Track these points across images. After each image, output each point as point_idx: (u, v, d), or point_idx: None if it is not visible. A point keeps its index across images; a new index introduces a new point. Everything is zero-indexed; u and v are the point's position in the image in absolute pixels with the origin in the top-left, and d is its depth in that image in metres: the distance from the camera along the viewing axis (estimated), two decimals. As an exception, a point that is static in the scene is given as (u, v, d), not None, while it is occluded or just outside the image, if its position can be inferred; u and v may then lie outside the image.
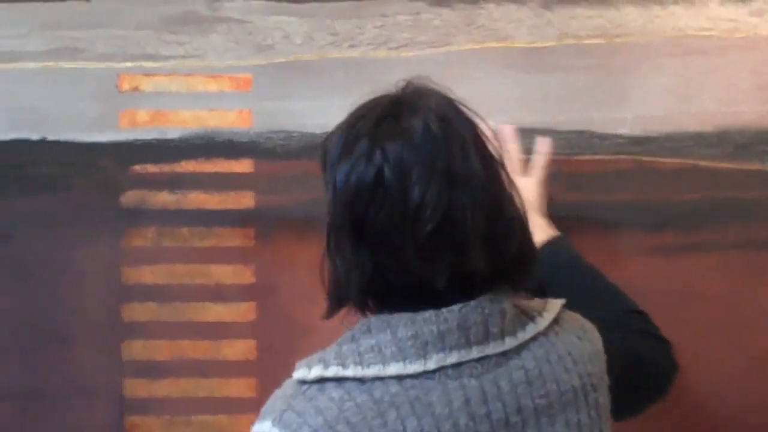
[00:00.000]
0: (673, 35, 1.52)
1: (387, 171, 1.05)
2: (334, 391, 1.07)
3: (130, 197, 1.53)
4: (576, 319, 1.19)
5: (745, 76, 1.52)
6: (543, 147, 1.45)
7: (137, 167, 1.52)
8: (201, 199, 1.54)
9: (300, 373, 1.07)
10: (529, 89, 1.51)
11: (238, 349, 1.51)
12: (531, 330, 1.13)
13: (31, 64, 1.51)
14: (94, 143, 1.52)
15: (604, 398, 1.18)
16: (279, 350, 1.50)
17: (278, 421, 1.06)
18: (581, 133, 1.51)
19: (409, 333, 1.08)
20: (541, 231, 1.39)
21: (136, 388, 1.52)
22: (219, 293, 1.52)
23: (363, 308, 1.12)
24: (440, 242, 1.05)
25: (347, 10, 1.50)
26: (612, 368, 1.18)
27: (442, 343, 1.08)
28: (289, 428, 1.05)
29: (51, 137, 1.52)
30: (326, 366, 1.08)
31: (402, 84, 1.11)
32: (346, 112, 1.11)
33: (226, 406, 1.53)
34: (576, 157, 1.50)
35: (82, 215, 1.53)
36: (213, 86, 1.52)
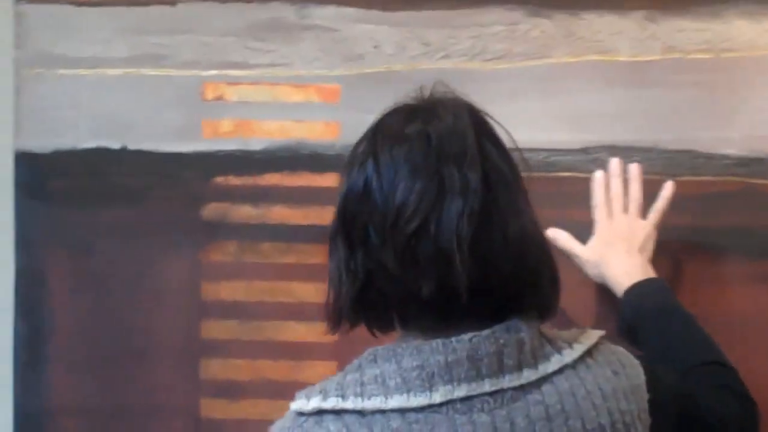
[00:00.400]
0: None
1: (375, 174, 1.04)
2: (332, 425, 1.03)
3: (211, 210, 1.53)
4: (616, 352, 1.14)
5: None
6: (667, 192, 1.45)
7: (219, 179, 1.52)
8: (284, 214, 1.53)
9: (298, 404, 1.05)
10: (630, 105, 1.50)
11: (319, 371, 1.49)
12: (556, 362, 1.08)
13: (114, 71, 1.53)
14: (175, 153, 1.53)
15: None
16: (360, 372, 1.44)
17: None
18: (685, 152, 1.48)
19: (415, 363, 1.05)
20: (639, 271, 1.38)
21: (213, 408, 1.52)
22: (300, 312, 1.50)
23: (365, 325, 1.10)
24: (421, 246, 1.02)
25: (440, 19, 1.49)
26: (677, 418, 1.14)
27: (449, 374, 1.04)
28: None
29: (132, 146, 1.53)
30: (325, 397, 1.05)
31: (422, 91, 1.11)
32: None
33: None
34: (679, 178, 1.46)
35: (162, 228, 1.54)
36: (299, 96, 1.52)
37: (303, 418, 1.05)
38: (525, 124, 1.44)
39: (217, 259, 1.52)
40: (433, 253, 1.02)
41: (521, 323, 1.05)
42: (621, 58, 1.49)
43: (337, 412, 1.03)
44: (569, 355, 1.09)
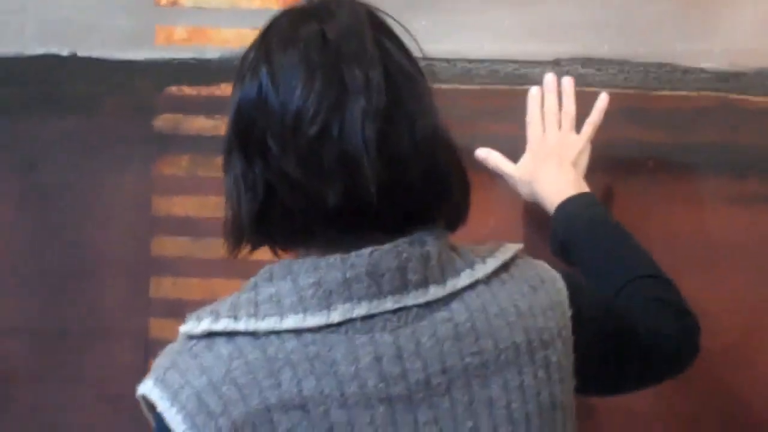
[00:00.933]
0: None
1: (269, 78, 1.02)
2: (223, 347, 1.01)
3: (163, 121, 1.52)
4: (535, 266, 1.12)
5: None
6: (601, 104, 1.44)
7: (173, 88, 1.52)
8: None
9: (188, 326, 1.03)
10: (605, 16, 1.48)
11: None
12: (466, 277, 1.05)
13: None
14: (127, 61, 1.52)
15: (559, 357, 1.09)
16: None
17: (160, 381, 1.01)
18: (661, 65, 1.47)
19: (311, 280, 1.01)
20: (571, 186, 1.38)
21: (164, 329, 1.50)
22: None
23: (267, 245, 1.08)
24: (325, 150, 0.99)
25: None
26: (605, 335, 1.12)
27: (348, 292, 1.02)
28: (170, 389, 1.00)
29: (81, 53, 1.52)
30: (216, 318, 1.02)
31: None
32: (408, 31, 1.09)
33: None
34: (655, 93, 1.46)
35: (112, 140, 1.52)
36: (257, 2, 1.50)
37: (193, 341, 1.02)
38: (494, 35, 1.49)
39: (169, 172, 1.51)
40: (338, 156, 1.00)
41: (428, 235, 1.03)
42: None
43: (229, 334, 1.01)
44: (482, 269, 1.06)
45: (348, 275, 1.00)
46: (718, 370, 1.50)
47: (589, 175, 1.45)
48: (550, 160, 1.41)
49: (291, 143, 0.99)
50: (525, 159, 1.45)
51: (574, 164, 1.41)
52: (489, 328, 1.04)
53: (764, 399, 1.52)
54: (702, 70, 1.47)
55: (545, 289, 1.09)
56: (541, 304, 1.08)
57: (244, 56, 1.07)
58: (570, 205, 1.36)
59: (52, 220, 1.53)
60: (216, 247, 1.45)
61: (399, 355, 1.01)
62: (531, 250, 1.12)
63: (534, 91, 1.44)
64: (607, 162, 1.48)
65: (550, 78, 1.44)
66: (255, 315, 1.00)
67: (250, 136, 1.03)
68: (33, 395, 1.53)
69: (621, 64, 1.47)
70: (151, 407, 1.02)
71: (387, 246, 1.01)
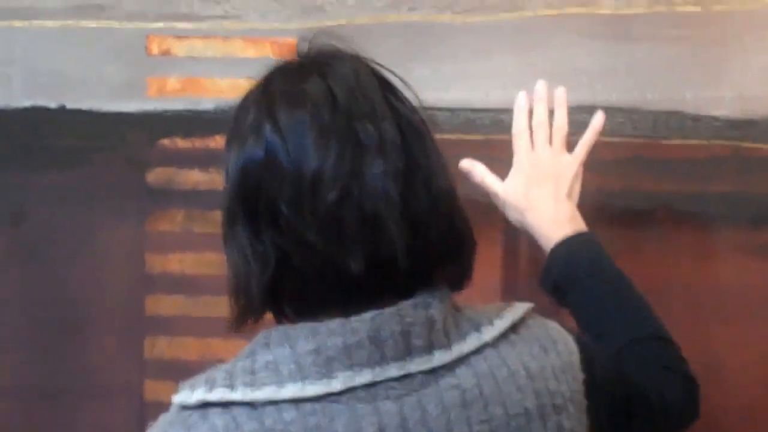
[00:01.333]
0: None
1: (278, 140, 0.98)
2: (218, 419, 0.96)
3: (157, 175, 1.50)
4: (546, 326, 1.09)
5: None
6: (596, 122, 1.39)
7: (166, 141, 1.50)
8: None
9: (181, 396, 0.99)
10: (613, 62, 1.46)
11: None
12: (473, 341, 1.02)
13: (50, 23, 1.50)
14: (118, 113, 1.49)
15: (572, 422, 1.06)
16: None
17: None
18: (672, 113, 1.44)
19: (310, 347, 0.98)
20: (567, 223, 1.34)
21: (159, 390, 1.49)
22: None
23: (275, 315, 1.04)
24: (346, 215, 0.96)
25: None
26: (617, 401, 1.11)
27: (349, 359, 0.98)
28: None
29: (71, 105, 1.50)
30: (211, 388, 0.98)
31: (308, 47, 1.07)
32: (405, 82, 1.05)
33: None
34: (665, 141, 1.44)
35: (103, 194, 1.50)
36: (253, 51, 1.49)
37: (187, 412, 0.98)
38: (499, 83, 1.47)
39: (163, 228, 1.50)
40: (360, 220, 0.97)
41: (431, 298, 1.00)
42: (603, 11, 1.45)
43: (225, 405, 0.97)
44: (489, 332, 1.03)
45: (349, 341, 0.97)
46: (742, 425, 1.49)
47: (599, 225, 1.42)
48: (544, 186, 1.37)
49: (308, 209, 0.96)
50: (514, 179, 1.40)
51: (569, 194, 1.37)
52: (498, 394, 1.01)
53: None
54: (713, 118, 1.45)
55: (557, 350, 1.06)
56: (552, 366, 1.05)
57: (239, 116, 1.04)
58: (569, 244, 1.32)
59: (41, 275, 1.51)
60: (213, 305, 1.46)
61: (404, 425, 0.98)
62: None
63: (521, 100, 1.40)
64: (615, 211, 1.47)
65: (541, 85, 1.40)
66: (252, 384, 0.97)
67: (257, 202, 0.98)
68: None
69: (629, 112, 1.44)
70: None
71: (389, 310, 0.98)
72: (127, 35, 1.50)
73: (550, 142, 1.39)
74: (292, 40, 1.46)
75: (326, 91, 0.99)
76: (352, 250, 0.96)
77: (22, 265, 1.51)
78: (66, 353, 1.50)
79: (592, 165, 1.44)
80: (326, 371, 0.97)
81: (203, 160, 1.49)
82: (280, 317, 1.02)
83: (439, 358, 0.99)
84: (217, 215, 1.42)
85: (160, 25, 1.49)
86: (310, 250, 0.96)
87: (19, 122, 1.50)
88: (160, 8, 1.50)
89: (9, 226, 1.51)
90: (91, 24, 1.49)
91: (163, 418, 1.00)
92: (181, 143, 1.49)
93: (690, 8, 1.45)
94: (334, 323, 0.97)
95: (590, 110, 1.45)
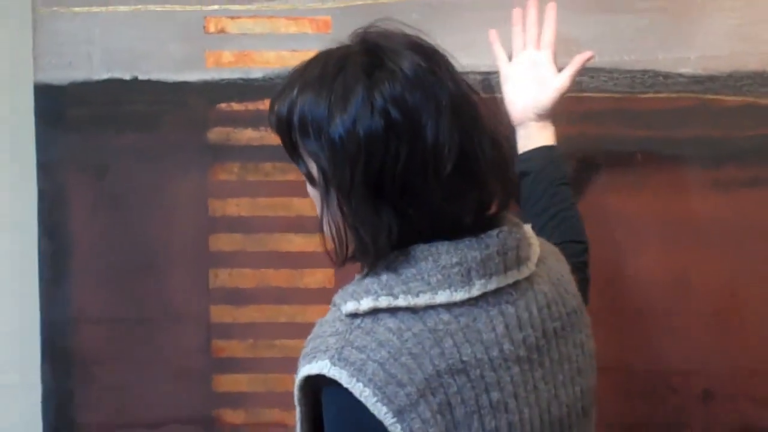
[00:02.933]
0: None
1: (395, 114, 1.03)
2: (389, 321, 1.05)
3: (216, 134, 1.58)
4: (544, 241, 1.21)
5: None
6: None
7: (223, 105, 1.58)
8: None
9: (350, 306, 1.06)
10: (597, 30, 1.55)
11: (318, 278, 1.58)
12: (535, 256, 1.14)
13: (123, 8, 1.57)
14: (182, 82, 1.58)
15: (586, 315, 1.21)
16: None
17: (337, 359, 1.04)
18: (645, 72, 1.56)
19: (454, 260, 1.07)
20: (542, 133, 1.42)
21: (222, 314, 1.58)
22: (300, 225, 1.58)
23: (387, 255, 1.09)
24: (462, 178, 1.05)
25: None
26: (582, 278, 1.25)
27: (484, 269, 1.07)
28: (352, 365, 1.03)
29: (142, 77, 1.58)
30: (377, 297, 1.06)
31: (359, 33, 1.10)
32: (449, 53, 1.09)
33: (306, 331, 1.55)
34: (640, 95, 1.56)
35: (172, 150, 1.59)
36: (294, 28, 1.57)
37: (359, 320, 1.05)
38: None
39: (222, 178, 1.58)
40: (471, 181, 1.05)
41: (515, 225, 1.11)
42: None
43: (391, 310, 1.05)
44: (537, 248, 1.15)
45: (484, 254, 1.06)
46: (708, 328, 1.60)
47: (587, 167, 1.55)
48: (530, 72, 1.45)
49: (432, 176, 1.03)
50: (515, 61, 1.48)
51: (546, 83, 1.43)
52: (560, 296, 1.15)
53: (746, 348, 1.60)
54: (680, 75, 1.55)
55: (560, 258, 1.20)
56: (568, 272, 1.19)
57: (332, 94, 1.05)
58: (535, 154, 1.41)
59: (122, 221, 1.60)
60: (265, 241, 1.58)
61: (520, 324, 1.09)
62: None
63: (516, 14, 1.47)
64: (600, 155, 1.58)
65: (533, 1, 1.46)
66: (409, 292, 1.04)
67: (382, 172, 1.03)
68: (113, 375, 1.61)
69: (611, 72, 1.55)
70: (317, 388, 1.05)
71: (506, 228, 1.09)
72: (188, 17, 1.55)
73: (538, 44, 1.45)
74: (326, 18, 1.56)
75: (414, 64, 1.04)
76: (466, 206, 1.06)
77: (106, 212, 1.59)
78: (145, 286, 1.60)
79: (580, 116, 1.55)
80: (467, 280, 1.06)
81: (254, 120, 1.57)
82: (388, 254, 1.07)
83: (530, 267, 1.12)
84: (267, 167, 1.56)
85: (216, 7, 1.55)
86: (434, 212, 1.05)
87: (99, 92, 1.58)
88: None
89: (95, 179, 1.59)
90: (157, 8, 1.56)
91: (330, 329, 1.07)
92: (236, 106, 1.58)
93: None
94: (469, 240, 1.07)
95: (579, 71, 1.47)
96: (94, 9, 1.56)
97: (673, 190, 1.58)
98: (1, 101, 1.72)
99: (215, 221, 1.59)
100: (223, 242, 1.59)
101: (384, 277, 1.07)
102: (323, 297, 1.52)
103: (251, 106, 1.57)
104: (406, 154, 1.03)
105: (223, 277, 1.59)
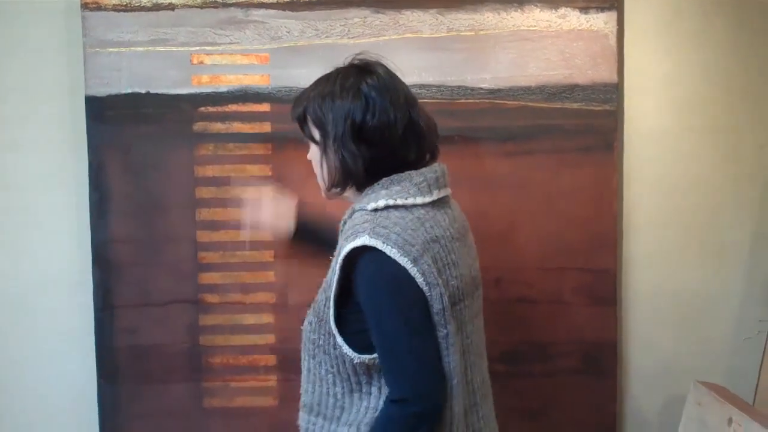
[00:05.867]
0: (513, 29, 2.07)
1: (374, 94, 1.36)
2: (396, 213, 1.33)
3: (198, 126, 2.06)
4: None
5: (554, 53, 2.08)
6: None
7: (202, 108, 2.05)
8: (240, 127, 2.08)
9: (371, 205, 1.34)
10: (430, 62, 2.05)
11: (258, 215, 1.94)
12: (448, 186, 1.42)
13: (140, 48, 2.04)
14: (177, 94, 2.05)
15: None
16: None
17: (372, 233, 1.30)
18: (460, 87, 2.07)
19: (421, 179, 1.36)
20: None
21: (203, 236, 2.05)
22: (249, 181, 2.08)
23: (362, 185, 1.38)
24: (410, 133, 1.39)
25: (324, 14, 2.05)
26: None
27: (436, 184, 1.38)
28: (382, 236, 1.29)
29: (152, 91, 2.06)
30: (386, 199, 1.33)
31: (358, 57, 1.45)
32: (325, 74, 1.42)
33: (252, 247, 2.08)
34: (456, 101, 2.07)
35: (171, 136, 2.06)
36: (246, 60, 2.05)
37: (378, 213, 1.34)
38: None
39: (202, 153, 2.07)
40: (415, 137, 1.39)
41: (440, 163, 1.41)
42: (424, 35, 2.05)
43: (395, 207, 1.34)
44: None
45: (437, 174, 1.39)
46: (498, 242, 2.07)
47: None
48: None
49: (394, 131, 1.35)
50: None
51: None
52: (459, 215, 1.48)
53: (523, 250, 2.05)
54: (480, 89, 2.06)
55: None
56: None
57: (340, 91, 1.35)
58: None
59: (141, 180, 2.03)
60: (229, 191, 1.94)
61: (454, 219, 1.42)
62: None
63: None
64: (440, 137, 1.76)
65: None
66: (401, 197, 1.35)
67: (363, 123, 1.33)
68: (133, 273, 2.05)
69: (438, 87, 2.05)
70: (353, 258, 1.30)
71: (437, 164, 1.41)
72: (180, 54, 2.02)
73: None
74: (267, 54, 2.01)
75: (387, 71, 1.40)
76: (412, 149, 1.39)
77: (130, 174, 2.03)
78: (154, 219, 2.02)
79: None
80: (428, 190, 1.37)
81: (222, 117, 2.04)
82: (364, 184, 1.37)
83: (449, 189, 1.44)
84: (231, 146, 1.97)
85: (197, 48, 2.04)
86: (393, 151, 1.36)
87: (125, 101, 2.03)
88: (197, 39, 2.04)
89: (123, 154, 2.05)
90: (160, 49, 2.04)
91: (361, 218, 1.34)
92: (211, 109, 2.05)
93: (468, 33, 2.06)
94: (428, 168, 1.38)
95: (420, 86, 2.00)
96: (122, 49, 2.05)
97: (477, 158, 2.07)
98: (63, 107, 2.13)
99: (198, 179, 2.07)
100: (203, 192, 2.07)
101: (383, 192, 1.36)
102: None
103: (220, 109, 2.06)
104: (377, 119, 1.34)
105: (204, 214, 2.07)
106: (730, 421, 1.69)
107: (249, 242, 2.05)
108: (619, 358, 2.18)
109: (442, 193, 1.41)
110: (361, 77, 1.40)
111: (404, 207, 1.34)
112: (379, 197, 1.35)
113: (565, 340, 2.15)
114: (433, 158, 1.46)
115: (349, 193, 1.45)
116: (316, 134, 1.42)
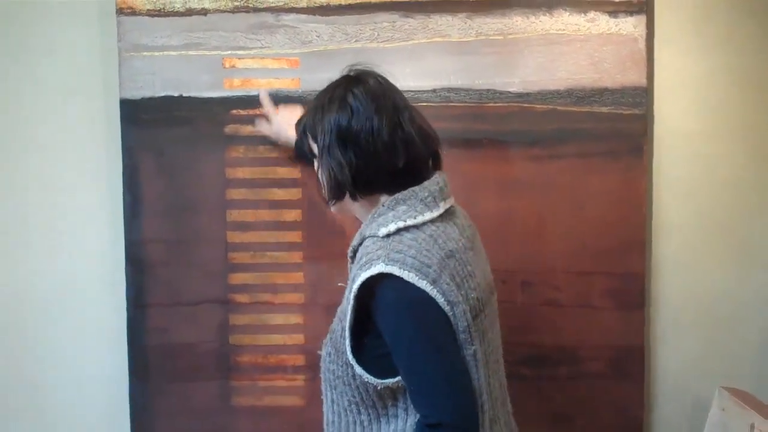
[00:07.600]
0: (542, 33, 2.05)
1: (359, 102, 1.35)
2: (409, 234, 1.33)
3: (230, 128, 2.07)
4: None
5: (583, 57, 2.07)
6: (262, 94, 1.87)
7: (234, 111, 2.05)
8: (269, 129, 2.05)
9: (382, 231, 1.33)
10: (458, 65, 2.04)
11: (291, 216, 2.07)
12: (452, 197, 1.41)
13: (173, 53, 2.06)
14: (209, 98, 2.06)
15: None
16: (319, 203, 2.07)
17: (388, 260, 1.29)
18: (488, 90, 2.06)
19: (426, 194, 1.35)
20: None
21: (233, 237, 2.06)
22: (280, 183, 2.10)
23: (355, 195, 1.36)
24: (396, 140, 1.37)
25: (353, 19, 2.05)
26: None
27: (441, 195, 1.37)
28: (398, 261, 1.28)
29: (185, 94, 2.06)
30: (396, 222, 1.31)
31: (353, 67, 1.44)
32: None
33: (279, 249, 2.10)
34: (485, 104, 2.06)
35: (202, 139, 2.07)
36: (276, 65, 2.06)
37: (390, 238, 1.33)
38: (403, 78, 2.01)
39: (233, 155, 2.07)
40: (403, 142, 1.36)
41: (441, 173, 1.38)
42: (453, 39, 2.03)
43: (407, 228, 1.33)
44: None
45: (437, 187, 1.37)
46: (526, 239, 2.04)
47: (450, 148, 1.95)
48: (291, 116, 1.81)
49: (378, 138, 1.33)
50: (280, 117, 1.85)
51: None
52: (468, 224, 1.46)
53: (551, 252, 2.05)
54: (509, 92, 2.04)
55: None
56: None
57: (325, 98, 1.36)
58: None
59: (172, 180, 2.05)
60: (260, 193, 1.94)
61: (462, 229, 1.41)
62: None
63: (263, 92, 1.88)
64: (461, 142, 2.01)
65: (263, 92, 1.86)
66: (411, 217, 1.33)
67: (348, 131, 1.32)
68: (166, 272, 2.08)
69: (467, 90, 2.03)
70: (369, 287, 1.28)
71: (437, 174, 1.38)
72: (213, 58, 2.03)
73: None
74: (296, 59, 2.03)
75: (376, 81, 1.38)
76: (399, 156, 1.36)
77: (163, 176, 2.05)
78: (185, 220, 2.03)
79: (449, 117, 1.97)
80: (435, 203, 1.36)
81: (253, 120, 2.04)
82: (356, 194, 1.36)
83: (453, 199, 1.42)
84: (261, 149, 1.98)
85: (230, 52, 2.05)
86: (377, 157, 1.34)
87: (158, 104, 2.04)
88: (228, 43, 2.04)
89: (156, 156, 2.05)
90: (193, 53, 2.05)
91: (372, 249, 1.32)
92: (242, 112, 2.05)
93: (497, 37, 2.04)
94: (430, 181, 1.35)
95: (448, 90, 2.01)
96: (156, 53, 2.06)
97: (505, 161, 2.05)
98: (100, 110, 2.15)
99: (229, 181, 2.07)
100: (234, 194, 2.07)
101: (391, 213, 1.35)
102: (296, 227, 2.04)
103: (251, 112, 2.06)
104: (360, 125, 1.33)
105: (234, 215, 2.08)
106: (752, 427, 1.70)
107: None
108: (647, 363, 2.18)
109: (448, 204, 1.41)
110: (349, 88, 1.41)
111: (415, 227, 1.35)
112: (388, 221, 1.35)
113: (592, 344, 2.15)
114: (436, 167, 1.46)
115: (353, 207, 1.46)
116: (314, 148, 1.45)
